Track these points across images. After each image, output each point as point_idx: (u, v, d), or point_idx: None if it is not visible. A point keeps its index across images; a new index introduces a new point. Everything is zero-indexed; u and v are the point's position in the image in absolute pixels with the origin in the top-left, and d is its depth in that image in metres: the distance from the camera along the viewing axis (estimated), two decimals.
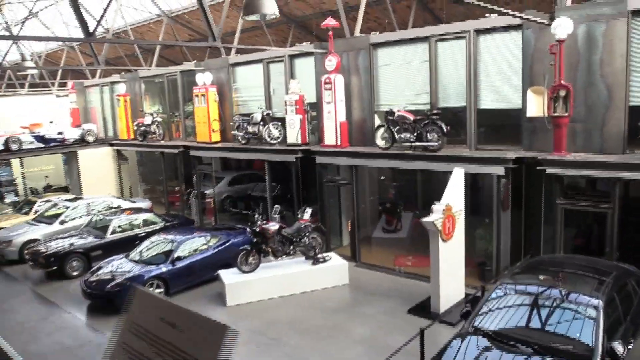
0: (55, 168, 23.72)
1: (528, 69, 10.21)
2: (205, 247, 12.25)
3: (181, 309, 1.54)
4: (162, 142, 19.12)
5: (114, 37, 22.72)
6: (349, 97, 13.28)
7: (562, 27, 9.16)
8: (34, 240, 14.39)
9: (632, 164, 8.66)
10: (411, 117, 11.65)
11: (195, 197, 17.94)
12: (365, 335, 9.24)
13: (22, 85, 31.11)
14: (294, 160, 13.96)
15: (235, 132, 15.72)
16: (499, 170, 10.24)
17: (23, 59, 23.02)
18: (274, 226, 11.46)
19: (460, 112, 11.52)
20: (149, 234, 13.61)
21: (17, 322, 10.64)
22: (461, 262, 10.28)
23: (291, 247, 11.64)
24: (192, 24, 23.09)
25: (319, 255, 11.75)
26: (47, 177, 24.22)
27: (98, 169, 21.15)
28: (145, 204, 18.04)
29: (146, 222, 14.62)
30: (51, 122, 22.02)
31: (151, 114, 19.66)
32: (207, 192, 17.93)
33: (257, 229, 11.30)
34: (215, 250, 12.27)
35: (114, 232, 13.82)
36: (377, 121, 12.87)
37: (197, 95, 16.88)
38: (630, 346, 6.06)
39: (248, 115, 15.65)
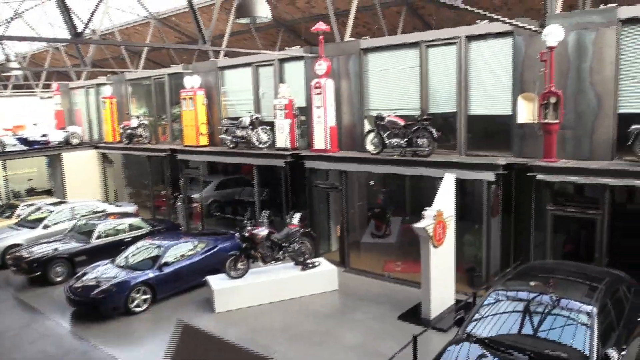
0: (38, 171, 23.29)
1: (518, 76, 10.26)
2: (193, 252, 12.09)
3: (232, 345, 1.42)
4: (149, 146, 18.89)
5: (100, 39, 22.43)
6: (339, 102, 13.24)
7: (553, 34, 9.23)
8: (17, 245, 14.09)
9: (621, 171, 8.73)
10: (401, 123, 11.63)
11: (181, 201, 17.73)
12: (357, 342, 9.16)
13: (5, 87, 30.60)
14: (284, 165, 13.87)
15: (224, 136, 15.58)
16: (490, 176, 10.26)
17: (8, 60, 22.62)
18: (263, 231, 11.34)
19: (450, 117, 11.53)
20: (135, 239, 13.39)
21: None
22: (451, 268, 10.27)
23: (280, 252, 11.52)
24: (180, 27, 22.91)
25: (309, 261, 11.66)
26: (30, 180, 23.77)
27: (83, 172, 20.80)
28: (131, 208, 17.80)
29: (132, 227, 14.40)
30: (35, 124, 21.64)
31: (137, 117, 19.43)
32: (194, 196, 17.74)
33: (246, 234, 11.18)
34: (203, 256, 12.11)
35: (99, 237, 13.58)
36: (367, 126, 12.84)
37: (184, 99, 16.72)
38: (623, 352, 6.06)
39: (236, 119, 15.52)
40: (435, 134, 11.08)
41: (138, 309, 10.80)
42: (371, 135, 12.22)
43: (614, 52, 9.19)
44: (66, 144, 21.07)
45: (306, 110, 13.81)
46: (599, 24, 9.27)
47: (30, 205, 17.17)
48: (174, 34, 23.66)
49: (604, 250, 9.11)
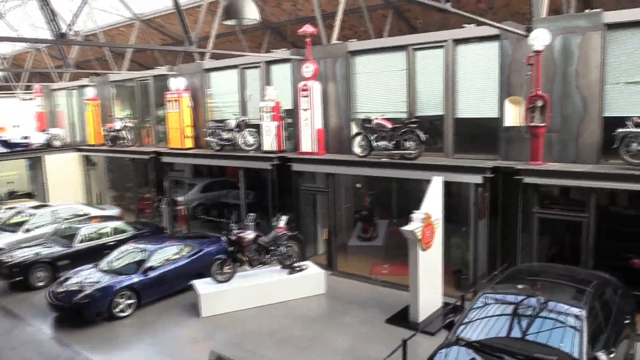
0: (19, 174, 22.85)
1: (505, 79, 10.32)
2: (179, 256, 11.92)
3: None
4: (133, 148, 18.65)
5: (84, 40, 22.12)
6: (326, 105, 13.20)
7: (540, 38, 9.29)
8: None
9: (607, 174, 8.79)
10: (389, 125, 11.63)
11: (166, 204, 17.53)
12: (345, 346, 9.10)
13: None
14: (270, 168, 13.77)
15: (209, 139, 15.45)
16: (477, 179, 10.29)
17: None
18: (250, 234, 11.24)
19: (437, 120, 11.56)
20: (118, 243, 13.17)
21: None
22: (439, 271, 10.26)
23: (267, 256, 11.43)
24: (164, 28, 22.70)
25: (296, 264, 11.58)
26: (10, 183, 23.32)
27: (65, 175, 20.43)
28: (114, 211, 17.54)
29: (116, 231, 14.17)
30: (16, 126, 21.25)
31: (121, 119, 19.20)
32: (179, 199, 17.55)
33: (233, 238, 11.07)
34: (189, 260, 11.95)
35: (82, 240, 13.33)
36: (354, 129, 12.81)
37: (169, 101, 16.54)
38: (612, 355, 6.08)
39: (222, 121, 15.40)
40: (423, 136, 11.09)
41: (122, 314, 10.61)
42: (358, 138, 12.20)
43: (599, 56, 9.29)
44: (48, 147, 20.73)
45: (293, 113, 13.74)
46: (585, 28, 9.36)
47: (11, 208, 16.83)
48: (159, 35, 23.44)
49: (590, 253, 9.18)
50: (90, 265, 11.67)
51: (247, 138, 14.61)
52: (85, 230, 13.63)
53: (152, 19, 21.98)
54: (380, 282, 12.08)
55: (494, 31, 10.01)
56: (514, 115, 10.03)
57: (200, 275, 11.42)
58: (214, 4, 17.25)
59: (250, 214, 12.61)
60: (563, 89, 9.69)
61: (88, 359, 9.01)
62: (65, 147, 21.23)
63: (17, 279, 12.29)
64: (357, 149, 12.20)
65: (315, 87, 12.88)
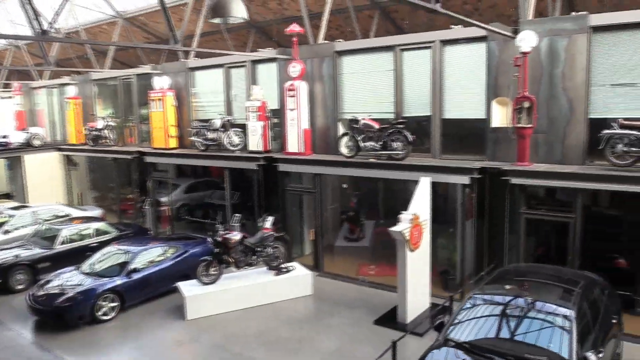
0: None
1: (492, 80, 10.35)
2: (163, 257, 11.74)
3: None
4: (115, 148, 18.36)
5: (65, 38, 21.73)
6: (313, 105, 13.12)
7: (527, 40, 9.34)
8: None
9: (593, 175, 8.87)
10: (376, 126, 11.59)
11: (150, 205, 17.28)
12: (333, 348, 9.02)
13: None
14: (256, 168, 13.65)
15: (194, 138, 15.26)
16: (464, 179, 10.31)
17: None
18: (236, 236, 11.10)
19: (425, 121, 11.55)
20: (101, 245, 12.93)
21: None
22: (427, 272, 10.25)
23: (254, 257, 11.31)
24: (148, 26, 22.41)
25: (283, 266, 11.48)
26: None
27: (45, 175, 20.04)
28: (96, 212, 17.20)
29: (98, 232, 13.90)
30: None
31: (103, 118, 18.90)
32: (163, 199, 17.32)
33: (219, 239, 10.92)
34: (174, 261, 11.77)
35: (63, 242, 13.05)
36: (341, 129, 12.76)
37: (153, 100, 16.31)
38: (600, 355, 6.11)
39: (207, 121, 15.23)
40: (410, 137, 11.08)
41: (105, 318, 10.39)
42: (345, 139, 12.15)
43: (585, 58, 9.36)
44: (27, 146, 20.31)
45: (279, 113, 13.64)
46: (571, 30, 9.42)
47: None
48: (142, 33, 23.13)
49: (577, 253, 9.24)
50: (72, 268, 11.42)
51: (232, 138, 14.46)
52: (67, 231, 13.35)
53: (135, 17, 21.67)
54: (367, 283, 12.04)
55: (482, 32, 10.03)
56: (501, 116, 10.08)
57: (186, 277, 11.26)
58: (199, 3, 17.07)
59: (236, 215, 12.47)
60: (549, 90, 9.75)
61: None
62: (45, 147, 20.83)
63: None
64: (344, 150, 12.14)
65: (302, 86, 12.80)
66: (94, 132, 18.73)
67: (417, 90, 11.52)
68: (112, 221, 16.52)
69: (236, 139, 14.45)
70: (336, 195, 14.23)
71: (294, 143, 13.03)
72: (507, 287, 7.33)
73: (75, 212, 16.23)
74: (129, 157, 17.49)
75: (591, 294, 7.07)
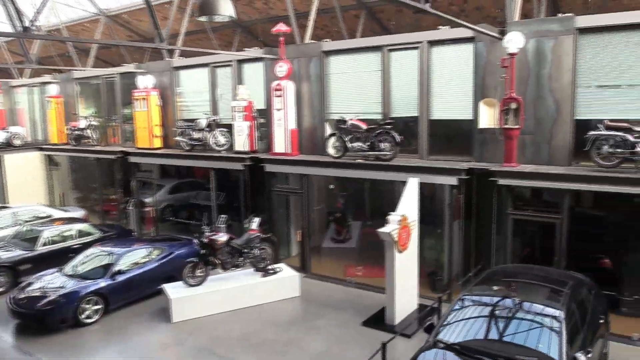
0: None
1: (480, 81, 10.38)
2: (148, 259, 11.56)
3: None
4: (98, 148, 18.08)
5: (47, 35, 21.32)
6: (300, 105, 13.04)
7: (514, 41, 9.37)
8: None
9: (579, 176, 8.93)
10: (364, 126, 11.56)
11: (133, 205, 17.03)
12: (321, 350, 8.95)
13: None
14: (242, 169, 13.52)
15: (179, 138, 15.09)
16: (452, 180, 10.31)
17: None
18: (223, 237, 10.97)
19: (412, 122, 11.54)
20: (84, 246, 12.69)
21: None
22: (415, 273, 10.23)
23: (241, 258, 11.19)
24: (131, 24, 22.08)
25: (269, 267, 11.38)
26: None
27: (26, 175, 19.64)
28: (79, 213, 16.90)
29: (81, 233, 13.65)
30: None
31: (86, 118, 18.60)
32: (147, 200, 17.09)
33: (205, 240, 10.79)
34: (159, 263, 11.61)
35: (45, 244, 12.78)
36: (329, 130, 12.70)
37: (137, 99, 16.09)
38: (589, 355, 6.14)
39: (192, 120, 15.06)
40: (398, 138, 11.06)
41: (89, 321, 10.19)
42: (333, 139, 12.09)
43: (571, 59, 9.43)
44: (7, 146, 19.88)
45: (266, 113, 13.53)
46: (558, 32, 9.49)
47: None
48: (125, 32, 22.79)
49: (564, 254, 9.30)
50: (54, 270, 11.19)
51: (218, 138, 14.32)
52: (49, 232, 13.09)
53: (118, 14, 21.33)
54: (355, 284, 11.99)
55: (469, 33, 10.06)
56: (488, 117, 10.11)
57: (171, 278, 11.10)
58: (183, 1, 16.87)
59: (222, 216, 12.32)
60: (536, 91, 9.80)
61: None
62: (26, 146, 20.43)
63: None
64: (331, 150, 12.09)
65: (289, 86, 12.72)
66: (76, 132, 18.43)
67: (404, 91, 11.51)
68: (95, 222, 16.25)
69: (222, 139, 14.31)
70: (323, 196, 14.16)
71: (281, 143, 12.94)
72: (496, 288, 7.34)
73: (57, 213, 15.93)
74: (112, 157, 17.23)
75: (579, 295, 7.10)
